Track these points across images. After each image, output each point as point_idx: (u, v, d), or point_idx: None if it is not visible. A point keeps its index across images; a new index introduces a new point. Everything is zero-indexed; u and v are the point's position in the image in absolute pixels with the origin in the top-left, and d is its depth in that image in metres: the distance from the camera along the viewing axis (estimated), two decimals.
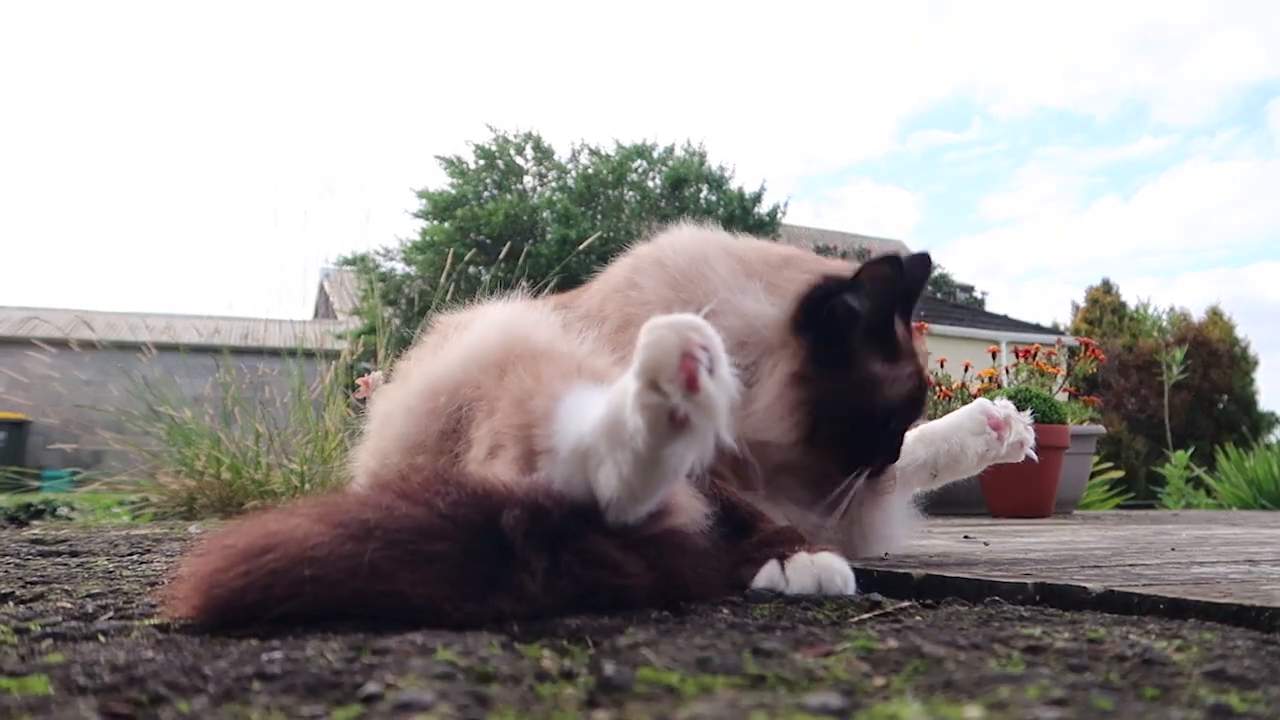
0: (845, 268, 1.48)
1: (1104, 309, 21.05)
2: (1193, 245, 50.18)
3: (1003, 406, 1.71)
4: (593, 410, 1.03)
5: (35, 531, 3.11)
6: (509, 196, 18.41)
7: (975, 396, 4.49)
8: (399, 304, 16.77)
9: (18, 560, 1.87)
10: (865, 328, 1.40)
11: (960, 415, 1.72)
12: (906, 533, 1.69)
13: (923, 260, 1.49)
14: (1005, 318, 20.36)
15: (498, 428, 1.17)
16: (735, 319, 1.40)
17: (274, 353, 5.25)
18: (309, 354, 5.24)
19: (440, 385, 1.31)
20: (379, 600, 0.90)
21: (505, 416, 1.15)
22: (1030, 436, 1.70)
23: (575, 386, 1.11)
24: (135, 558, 1.95)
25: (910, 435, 1.65)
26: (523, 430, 1.11)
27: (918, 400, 1.47)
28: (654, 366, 0.92)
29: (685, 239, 1.56)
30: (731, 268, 1.47)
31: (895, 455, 1.50)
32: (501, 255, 12.45)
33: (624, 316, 1.47)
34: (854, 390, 1.39)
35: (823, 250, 21.29)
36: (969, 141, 50.25)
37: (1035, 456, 1.71)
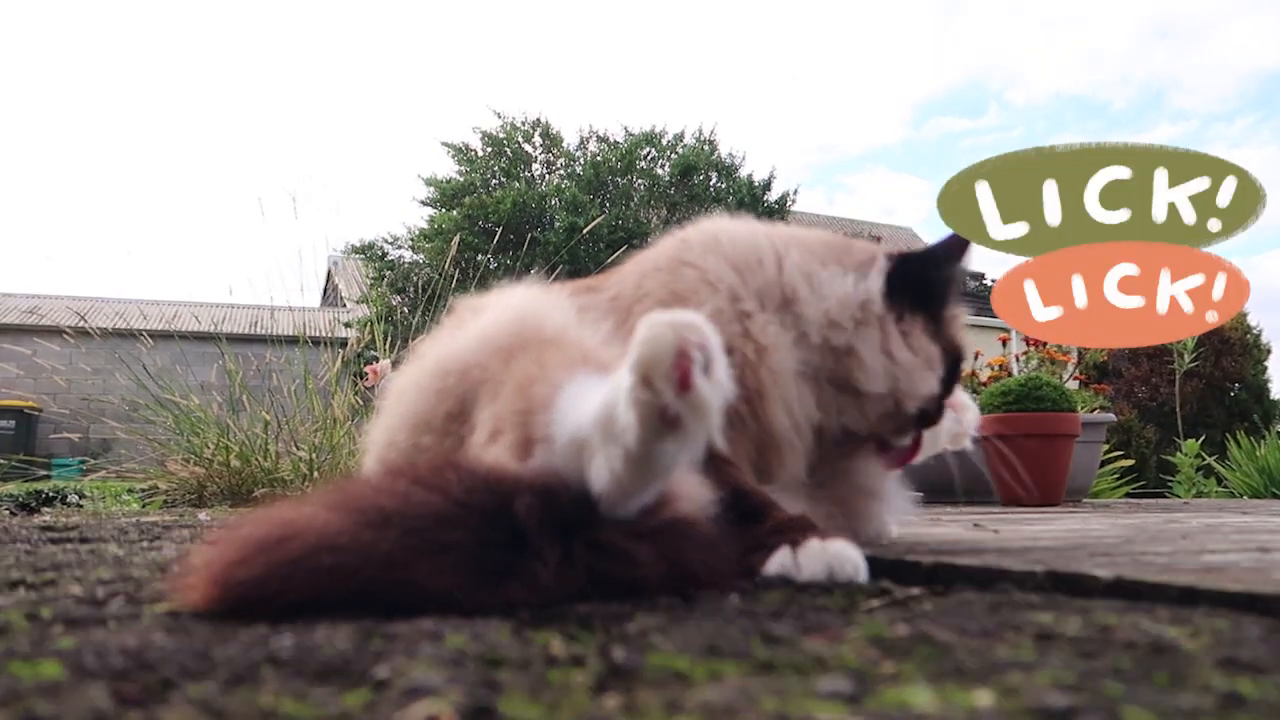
0: (892, 249, 1.62)
1: None
2: None
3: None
4: (592, 401, 1.02)
5: (46, 518, 3.13)
6: (517, 184, 18.34)
7: (985, 385, 4.48)
8: (407, 292, 16.77)
9: (29, 546, 1.88)
10: (954, 288, 1.58)
11: None
12: (901, 505, 1.71)
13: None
14: None
15: (499, 412, 1.17)
16: (824, 302, 1.49)
17: (280, 340, 5.26)
18: (316, 342, 5.25)
19: (450, 366, 1.32)
20: (394, 589, 0.90)
21: (507, 402, 1.15)
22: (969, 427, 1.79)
23: (578, 375, 1.10)
24: (145, 544, 1.95)
25: None
26: (522, 416, 1.10)
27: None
28: (648, 363, 0.91)
29: (732, 225, 1.60)
30: (803, 255, 1.54)
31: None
32: (495, 242, 12.39)
33: (670, 293, 1.47)
34: (955, 338, 1.58)
35: None
36: (985, 128, 50.08)
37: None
